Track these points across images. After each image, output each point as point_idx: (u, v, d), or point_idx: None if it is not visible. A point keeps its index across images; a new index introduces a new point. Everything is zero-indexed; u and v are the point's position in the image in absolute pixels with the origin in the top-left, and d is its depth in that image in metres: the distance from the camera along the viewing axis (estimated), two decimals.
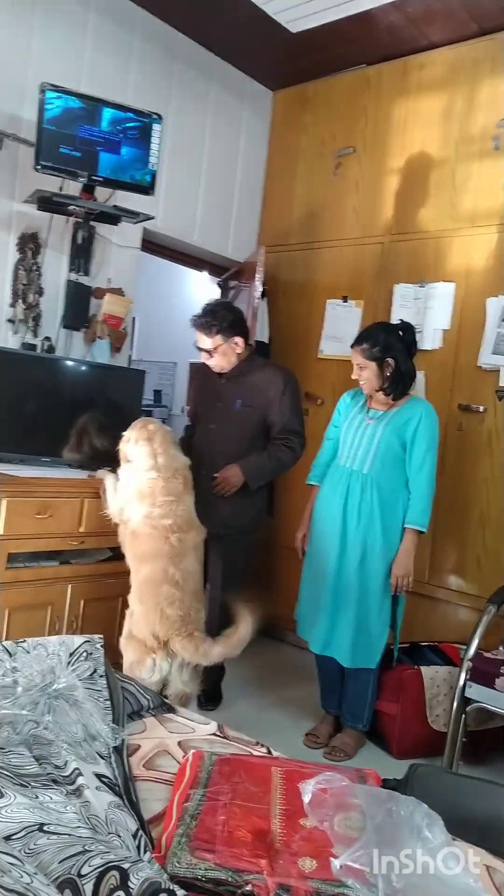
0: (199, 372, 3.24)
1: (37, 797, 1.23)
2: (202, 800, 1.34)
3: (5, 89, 3.06)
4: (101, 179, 3.03)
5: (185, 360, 5.71)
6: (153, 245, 3.90)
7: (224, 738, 1.67)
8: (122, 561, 2.61)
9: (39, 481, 2.76)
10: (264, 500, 3.15)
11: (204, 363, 3.07)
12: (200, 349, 2.94)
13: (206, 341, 2.89)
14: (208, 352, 2.92)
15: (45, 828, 1.10)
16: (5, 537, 2.63)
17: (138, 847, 1.20)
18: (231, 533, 2.93)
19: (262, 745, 1.65)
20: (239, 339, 2.92)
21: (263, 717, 3.05)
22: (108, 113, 3.00)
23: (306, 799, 1.29)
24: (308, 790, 1.30)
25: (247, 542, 3.08)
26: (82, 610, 2.88)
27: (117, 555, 2.73)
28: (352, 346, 2.81)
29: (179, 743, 1.61)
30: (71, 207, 3.08)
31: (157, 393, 6.57)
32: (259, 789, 1.39)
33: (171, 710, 1.80)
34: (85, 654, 1.73)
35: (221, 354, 2.91)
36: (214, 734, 1.69)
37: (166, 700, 1.84)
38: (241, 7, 3.38)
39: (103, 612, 2.87)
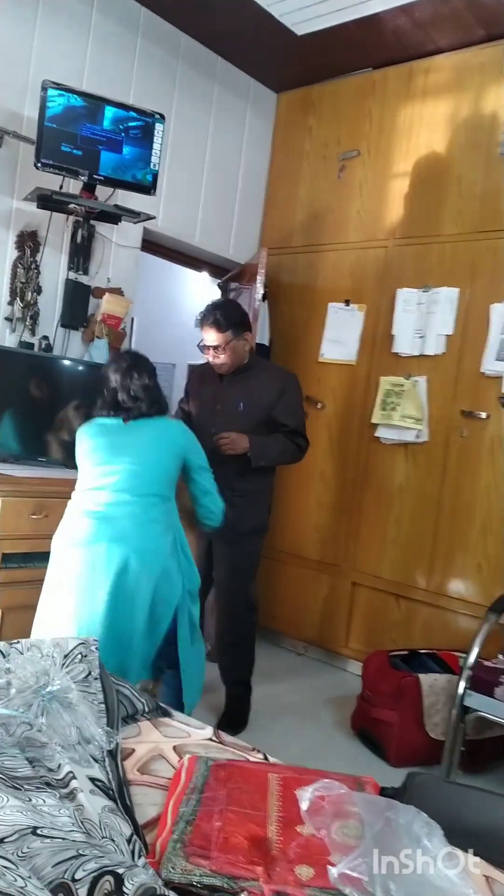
0: (195, 375, 3.12)
1: (30, 800, 1.21)
2: (197, 805, 1.32)
3: (7, 87, 3.04)
4: (101, 178, 3.01)
5: (184, 362, 5.70)
6: (153, 245, 3.89)
7: (220, 743, 1.65)
8: None
9: (35, 481, 2.73)
10: (268, 505, 3.11)
11: (202, 365, 3.00)
12: (207, 347, 2.81)
13: (216, 337, 2.77)
14: (216, 348, 2.79)
15: (38, 831, 1.07)
16: (0, 537, 2.60)
17: (132, 852, 1.18)
18: (237, 537, 2.89)
19: (259, 751, 1.62)
20: (249, 335, 2.86)
21: (259, 722, 3.02)
22: (110, 112, 2.98)
23: (304, 806, 1.27)
24: (305, 797, 1.28)
25: (253, 548, 3.04)
26: None
27: None
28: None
29: (174, 747, 1.59)
30: (71, 206, 3.06)
31: None
32: (255, 795, 1.36)
33: (167, 714, 1.77)
34: (79, 656, 1.71)
35: (231, 351, 2.80)
36: (210, 739, 1.66)
37: (161, 704, 1.81)
38: (247, 8, 3.37)
39: None
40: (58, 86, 2.86)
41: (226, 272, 4.28)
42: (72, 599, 2.25)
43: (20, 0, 3.07)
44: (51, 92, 2.84)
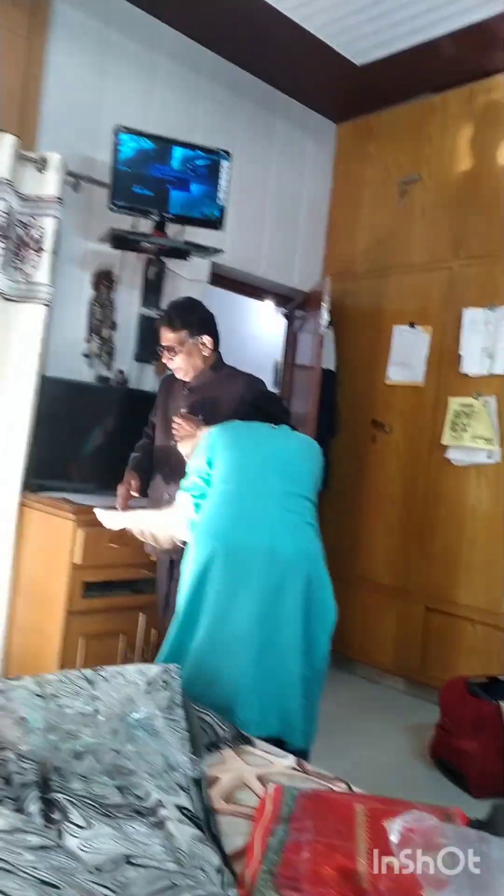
0: (165, 385, 2.82)
1: (121, 828, 1.23)
2: (285, 836, 1.32)
3: (80, 134, 3.19)
4: (172, 216, 3.12)
5: None
6: (220, 278, 3.97)
7: (303, 772, 1.65)
8: None
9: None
10: None
11: (171, 375, 2.75)
12: (162, 347, 2.61)
13: (169, 336, 2.57)
14: (171, 349, 2.58)
15: (132, 860, 1.10)
16: (82, 566, 2.68)
17: (222, 882, 1.19)
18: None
19: (342, 781, 1.62)
20: (207, 339, 2.60)
21: (334, 750, 2.98)
22: (178, 152, 3.09)
23: (394, 838, 1.26)
24: (395, 829, 1.27)
25: None
26: (154, 639, 2.89)
27: None
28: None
29: (258, 776, 1.59)
30: (143, 244, 3.16)
31: None
32: (343, 827, 1.36)
33: (249, 741, 1.78)
34: (163, 683, 1.74)
35: (186, 354, 2.58)
36: (293, 768, 1.66)
37: (243, 732, 1.82)
38: (306, 42, 3.45)
39: None
40: (129, 130, 2.98)
41: (290, 300, 4.34)
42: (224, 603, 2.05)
43: (89, 50, 3.23)
44: (122, 136, 2.96)
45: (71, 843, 1.10)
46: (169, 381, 2.80)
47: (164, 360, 2.65)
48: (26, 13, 3.00)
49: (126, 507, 2.60)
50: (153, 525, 2.40)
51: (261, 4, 3.18)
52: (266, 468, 2.18)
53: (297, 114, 4.14)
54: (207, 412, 2.53)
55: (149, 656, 2.84)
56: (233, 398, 2.54)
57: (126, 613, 2.85)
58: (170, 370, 2.70)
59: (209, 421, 2.46)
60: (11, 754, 1.36)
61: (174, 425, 2.48)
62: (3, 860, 0.85)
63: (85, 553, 2.67)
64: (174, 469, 2.55)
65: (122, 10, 3.32)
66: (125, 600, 2.85)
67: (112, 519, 2.46)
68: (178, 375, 2.66)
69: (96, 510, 2.50)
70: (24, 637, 2.89)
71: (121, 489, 2.68)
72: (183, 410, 2.53)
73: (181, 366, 2.61)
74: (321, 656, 2.16)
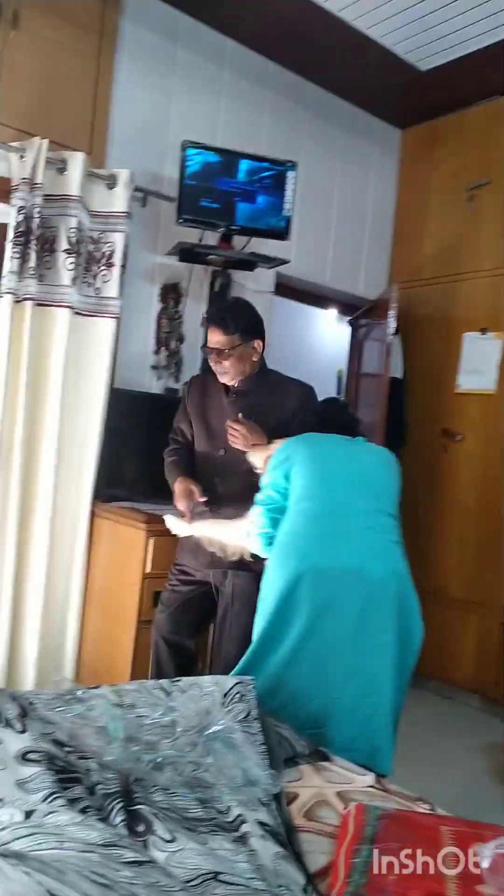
0: (197, 387, 2.66)
1: (206, 843, 1.22)
2: (369, 857, 1.28)
3: (148, 149, 3.25)
4: (238, 228, 3.13)
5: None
6: (285, 287, 3.96)
7: (384, 791, 1.60)
8: None
9: None
10: None
11: (203, 375, 2.66)
12: (211, 349, 2.45)
13: (221, 338, 2.40)
14: (222, 353, 2.42)
15: (220, 877, 1.09)
16: (152, 575, 2.69)
17: None
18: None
19: (425, 802, 1.57)
20: (258, 343, 2.47)
21: (414, 770, 2.90)
22: (244, 164, 3.11)
23: (485, 864, 1.21)
24: (486, 854, 1.22)
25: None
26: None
27: None
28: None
29: (339, 794, 1.55)
30: (210, 257, 3.19)
31: None
32: (429, 849, 1.31)
33: (326, 758, 1.75)
34: (239, 695, 1.72)
35: (237, 359, 2.43)
36: (373, 787, 1.62)
37: (320, 749, 1.78)
38: (371, 50, 3.42)
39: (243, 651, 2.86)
40: (196, 144, 3.01)
41: (355, 309, 4.30)
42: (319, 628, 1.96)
43: (155, 67, 3.28)
44: (189, 151, 2.99)
45: (158, 857, 1.09)
46: (200, 383, 2.67)
47: (211, 364, 2.50)
48: (95, 35, 3.07)
49: (193, 517, 2.50)
50: (222, 535, 2.37)
51: (324, 14, 3.18)
52: (348, 484, 2.08)
53: (361, 121, 4.11)
54: (257, 419, 2.40)
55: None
56: (285, 406, 2.45)
57: None
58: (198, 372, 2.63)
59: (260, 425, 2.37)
60: (94, 764, 1.36)
61: (232, 432, 2.36)
62: (101, 875, 0.84)
63: (155, 562, 2.68)
64: (225, 478, 2.45)
65: (187, 27, 3.36)
66: None
67: (182, 527, 2.45)
68: (224, 380, 2.50)
69: (166, 517, 2.49)
70: (96, 646, 2.92)
71: (184, 502, 2.47)
72: (240, 416, 2.41)
73: (229, 370, 2.46)
74: (408, 677, 2.08)
